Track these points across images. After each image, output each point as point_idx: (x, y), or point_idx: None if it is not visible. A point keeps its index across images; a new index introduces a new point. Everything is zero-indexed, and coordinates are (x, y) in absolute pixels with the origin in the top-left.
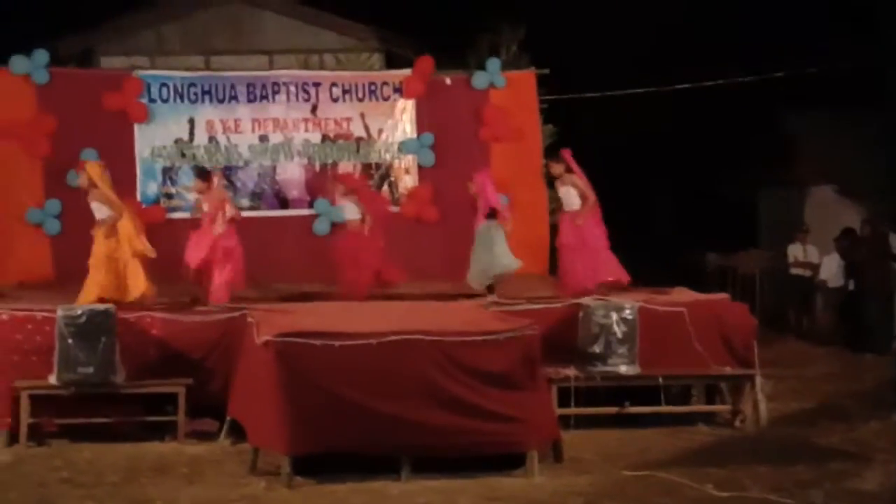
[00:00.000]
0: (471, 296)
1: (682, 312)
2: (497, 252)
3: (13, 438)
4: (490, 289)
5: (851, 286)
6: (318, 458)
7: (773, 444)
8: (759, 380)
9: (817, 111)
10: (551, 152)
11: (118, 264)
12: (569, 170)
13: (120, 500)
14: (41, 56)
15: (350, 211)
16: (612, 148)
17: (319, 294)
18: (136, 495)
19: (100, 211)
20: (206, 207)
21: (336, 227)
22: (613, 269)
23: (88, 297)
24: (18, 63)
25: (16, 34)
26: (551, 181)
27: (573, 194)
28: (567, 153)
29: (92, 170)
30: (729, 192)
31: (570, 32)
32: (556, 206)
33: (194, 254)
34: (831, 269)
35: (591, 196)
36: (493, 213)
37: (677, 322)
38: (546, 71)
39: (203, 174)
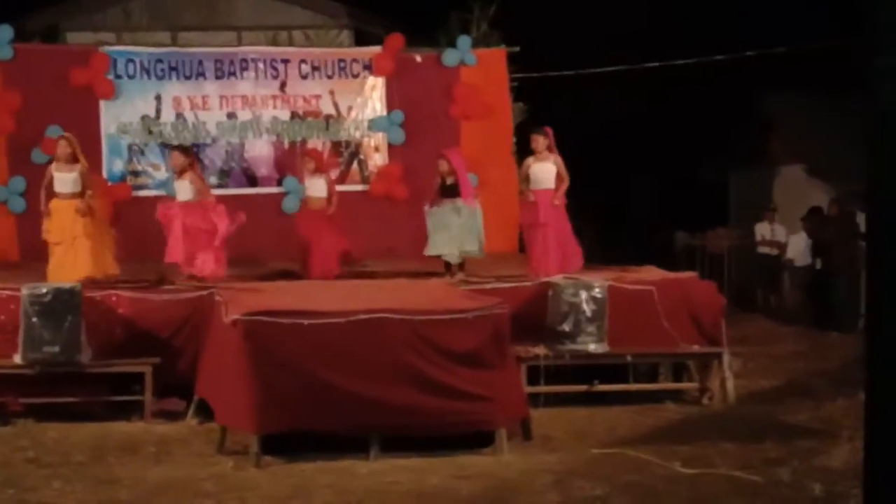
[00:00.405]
0: (440, 274)
1: (651, 291)
2: (480, 236)
3: None
4: (460, 266)
5: (819, 265)
6: (287, 437)
7: (740, 422)
8: (726, 357)
9: (791, 92)
10: (522, 130)
11: (94, 241)
12: (550, 147)
13: (87, 480)
14: (5, 31)
15: (316, 188)
16: (584, 127)
17: (288, 272)
18: (103, 475)
19: (77, 184)
20: (190, 184)
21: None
22: (579, 259)
23: (85, 270)
24: None
25: None
26: (520, 159)
27: (552, 172)
28: (549, 131)
29: (75, 142)
30: (701, 172)
31: (541, 10)
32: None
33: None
34: (798, 248)
35: (567, 178)
36: (457, 193)
37: (646, 300)
38: (516, 49)
39: (185, 149)
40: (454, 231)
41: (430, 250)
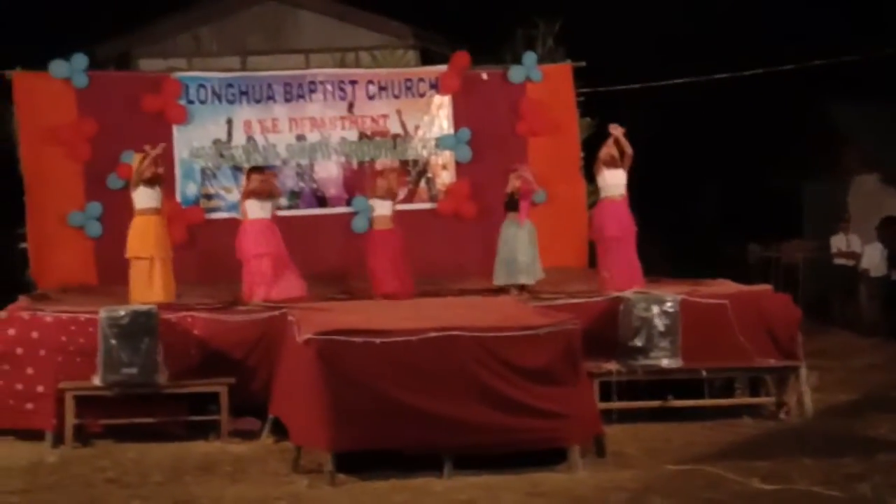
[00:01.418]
0: (509, 292)
1: (725, 304)
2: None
3: (59, 439)
4: (522, 287)
5: (895, 276)
6: (361, 455)
7: (819, 437)
8: (803, 371)
9: (862, 101)
10: (589, 145)
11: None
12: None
13: (165, 500)
14: (80, 60)
15: (381, 208)
16: (651, 140)
17: (358, 291)
18: (181, 494)
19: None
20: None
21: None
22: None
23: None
24: (58, 67)
25: (55, 39)
26: (590, 175)
27: (624, 180)
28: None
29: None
30: (773, 182)
31: (606, 25)
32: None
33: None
34: (873, 259)
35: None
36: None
37: (720, 314)
38: (582, 63)
39: (257, 168)
40: (523, 258)
41: (500, 280)
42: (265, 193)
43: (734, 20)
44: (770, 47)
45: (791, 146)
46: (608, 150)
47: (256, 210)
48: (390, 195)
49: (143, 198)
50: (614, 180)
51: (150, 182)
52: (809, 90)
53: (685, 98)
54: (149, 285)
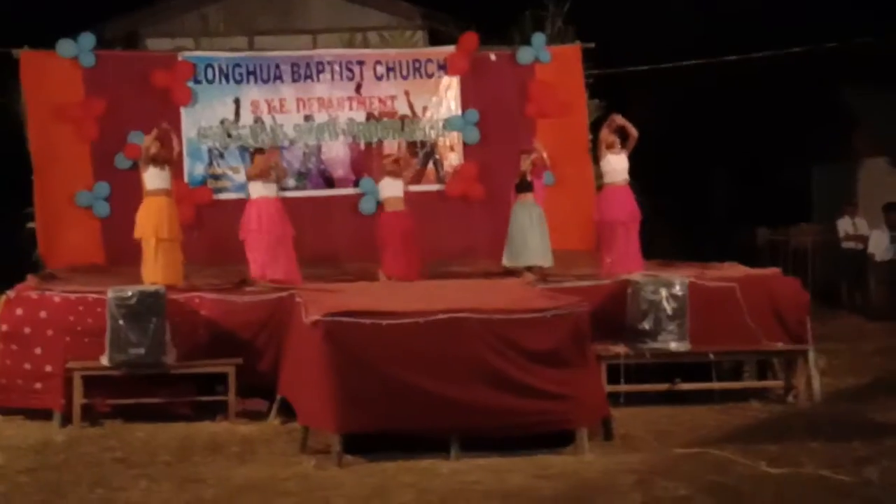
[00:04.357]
0: (517, 273)
1: (734, 287)
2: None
3: (67, 419)
4: (530, 269)
5: None
6: (368, 436)
7: (827, 420)
8: (812, 355)
9: (872, 84)
10: (597, 127)
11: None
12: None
13: (173, 479)
14: (88, 39)
15: (393, 189)
16: (660, 123)
17: (365, 273)
18: (189, 474)
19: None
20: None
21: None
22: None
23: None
24: (65, 47)
25: (62, 18)
26: (596, 157)
27: (626, 165)
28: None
29: None
30: (782, 166)
31: (615, 6)
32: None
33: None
34: (881, 243)
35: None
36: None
37: (729, 297)
38: (591, 45)
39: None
40: (534, 241)
41: (510, 261)
42: (267, 174)
43: (743, 3)
44: (779, 30)
45: (800, 129)
46: (607, 133)
47: (260, 188)
48: (399, 174)
49: (153, 179)
50: (617, 165)
51: (159, 162)
52: (819, 73)
53: (694, 81)
54: (159, 267)
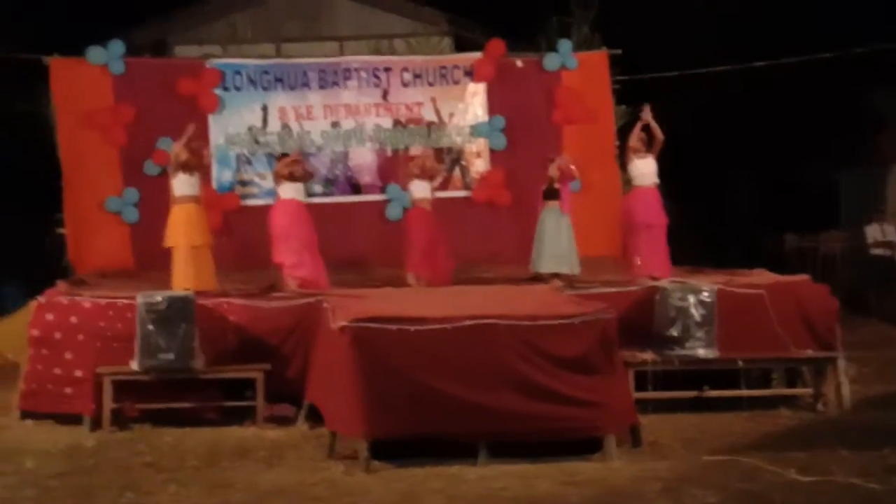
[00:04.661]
0: (545, 280)
1: (762, 294)
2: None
3: (96, 424)
4: (556, 275)
5: None
6: (396, 442)
7: (857, 428)
8: (841, 362)
9: None
10: (624, 133)
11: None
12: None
13: (202, 484)
14: (117, 47)
15: (420, 190)
16: (687, 129)
17: (393, 279)
18: (216, 479)
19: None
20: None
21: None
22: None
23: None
24: (95, 54)
25: (91, 26)
26: (624, 164)
27: (655, 168)
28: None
29: None
30: (809, 172)
31: (642, 12)
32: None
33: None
34: None
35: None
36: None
37: (757, 304)
38: (618, 51)
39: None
40: (561, 248)
41: (537, 267)
42: (292, 176)
43: (771, 7)
44: (808, 35)
45: (828, 135)
46: (636, 137)
47: (289, 191)
48: (426, 176)
49: (182, 185)
50: (645, 169)
51: (189, 169)
52: (847, 78)
53: (721, 86)
54: (191, 273)
